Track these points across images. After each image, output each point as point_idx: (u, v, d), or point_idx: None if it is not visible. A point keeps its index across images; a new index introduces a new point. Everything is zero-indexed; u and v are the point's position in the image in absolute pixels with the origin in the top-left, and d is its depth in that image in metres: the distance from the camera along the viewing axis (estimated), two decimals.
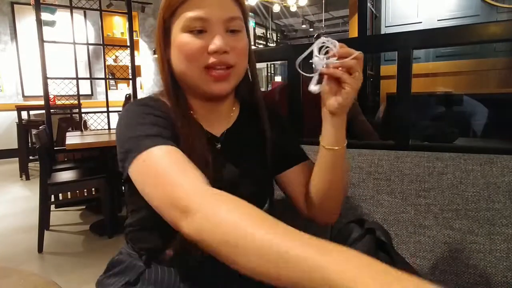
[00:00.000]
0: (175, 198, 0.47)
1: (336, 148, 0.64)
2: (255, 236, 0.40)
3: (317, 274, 0.35)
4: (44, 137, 2.43)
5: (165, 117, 0.62)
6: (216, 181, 0.63)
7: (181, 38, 0.61)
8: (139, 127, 0.57)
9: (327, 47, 0.57)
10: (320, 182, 0.68)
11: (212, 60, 0.60)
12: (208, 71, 0.61)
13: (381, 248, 0.64)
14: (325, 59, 0.57)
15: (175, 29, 0.63)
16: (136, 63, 3.61)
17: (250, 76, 0.72)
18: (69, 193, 2.82)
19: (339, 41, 0.58)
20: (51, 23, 3.89)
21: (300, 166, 0.76)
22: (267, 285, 0.41)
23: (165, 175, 0.50)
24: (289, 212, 0.99)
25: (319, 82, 0.59)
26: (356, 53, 0.57)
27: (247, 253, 0.40)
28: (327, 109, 0.62)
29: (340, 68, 0.57)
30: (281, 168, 0.76)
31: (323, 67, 0.58)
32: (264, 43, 8.86)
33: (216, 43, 0.59)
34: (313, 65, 0.58)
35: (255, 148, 0.73)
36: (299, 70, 0.60)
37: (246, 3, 0.68)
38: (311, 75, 0.59)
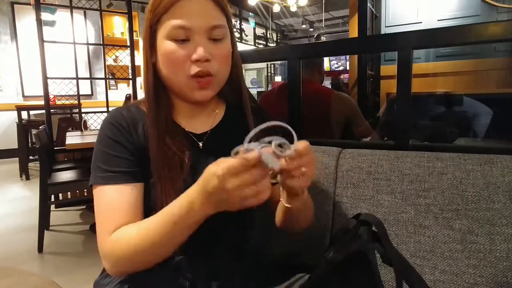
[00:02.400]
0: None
1: (297, 203, 0.63)
2: (147, 234, 0.56)
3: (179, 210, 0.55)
4: (44, 137, 2.43)
5: (130, 140, 0.66)
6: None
7: (166, 46, 0.63)
8: (103, 155, 0.66)
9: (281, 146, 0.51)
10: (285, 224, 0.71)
11: (195, 69, 0.63)
12: (194, 79, 0.64)
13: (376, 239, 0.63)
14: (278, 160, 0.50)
15: (160, 35, 0.64)
16: (136, 63, 3.61)
17: (238, 77, 0.74)
18: (69, 193, 2.82)
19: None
20: (51, 23, 3.89)
21: None
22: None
23: (97, 216, 0.64)
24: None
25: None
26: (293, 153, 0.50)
27: (151, 245, 0.56)
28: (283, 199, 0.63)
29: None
30: None
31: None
32: (264, 43, 8.85)
33: (198, 52, 0.61)
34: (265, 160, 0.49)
35: None
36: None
37: (231, 8, 0.69)
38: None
